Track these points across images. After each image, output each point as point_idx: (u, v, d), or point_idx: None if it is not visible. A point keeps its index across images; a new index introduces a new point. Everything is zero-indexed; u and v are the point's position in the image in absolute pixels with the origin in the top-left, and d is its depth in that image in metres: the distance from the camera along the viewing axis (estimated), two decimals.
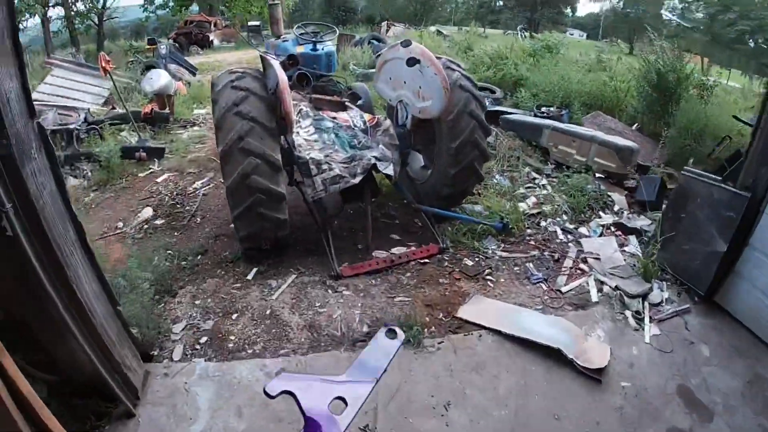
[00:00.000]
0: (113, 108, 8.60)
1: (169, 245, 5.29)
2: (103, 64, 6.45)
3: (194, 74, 10.72)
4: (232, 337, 3.92)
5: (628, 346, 3.90)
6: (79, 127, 6.99)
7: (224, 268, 4.85)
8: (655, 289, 4.43)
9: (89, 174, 6.79)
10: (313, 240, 5.07)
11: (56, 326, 2.70)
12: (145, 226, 5.72)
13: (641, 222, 5.46)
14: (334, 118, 5.21)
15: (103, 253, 5.15)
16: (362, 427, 3.15)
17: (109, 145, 6.84)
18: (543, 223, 5.56)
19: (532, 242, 5.22)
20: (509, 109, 8.16)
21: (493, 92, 8.87)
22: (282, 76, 4.39)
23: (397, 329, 1.06)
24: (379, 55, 5.56)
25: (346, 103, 5.63)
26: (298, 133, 4.90)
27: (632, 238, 5.24)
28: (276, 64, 4.56)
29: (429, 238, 5.12)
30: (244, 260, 4.90)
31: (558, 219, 5.64)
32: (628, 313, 4.21)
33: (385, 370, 0.82)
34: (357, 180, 4.50)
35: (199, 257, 5.06)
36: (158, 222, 5.78)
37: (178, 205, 6.12)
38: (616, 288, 4.45)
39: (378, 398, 3.33)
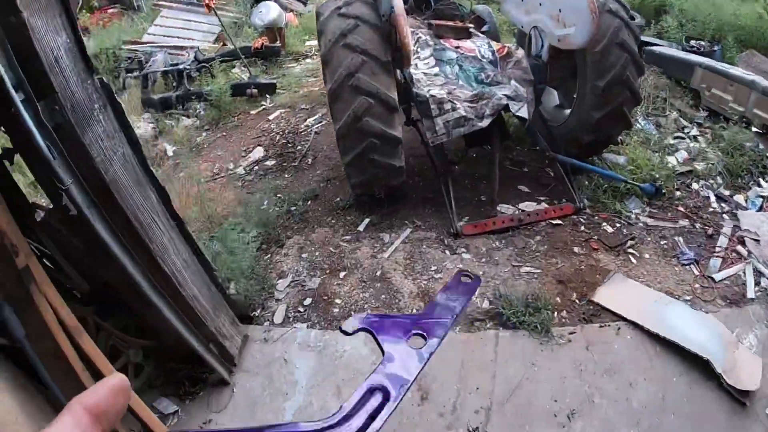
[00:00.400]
0: (224, 45, 8.39)
1: (279, 188, 5.03)
2: (207, 1, 6.13)
3: (305, 4, 10.10)
4: (338, 301, 3.57)
5: None
6: (189, 67, 6.84)
7: (335, 216, 4.48)
8: None
9: (201, 113, 6.69)
10: (432, 188, 4.50)
11: (143, 300, 2.45)
12: (256, 167, 5.50)
13: None
14: (458, 47, 4.41)
15: (213, 198, 5.06)
16: (473, 429, 2.68)
17: (220, 83, 6.63)
18: (695, 186, 4.46)
19: (682, 208, 4.20)
20: (654, 40, 6.69)
21: (633, 19, 7.30)
22: (397, 0, 3.72)
23: (472, 274, 0.87)
24: None
25: (471, 30, 4.77)
26: (416, 65, 4.23)
27: None
28: None
29: (563, 194, 4.32)
30: (355, 208, 4.51)
31: (711, 182, 4.51)
32: None
33: (464, 308, 0.65)
34: (485, 123, 3.79)
35: (309, 203, 4.74)
36: (269, 163, 5.53)
37: (290, 145, 5.81)
38: None
39: (493, 396, 2.82)
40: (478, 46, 4.43)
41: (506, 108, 3.85)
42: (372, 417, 0.54)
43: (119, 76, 7.95)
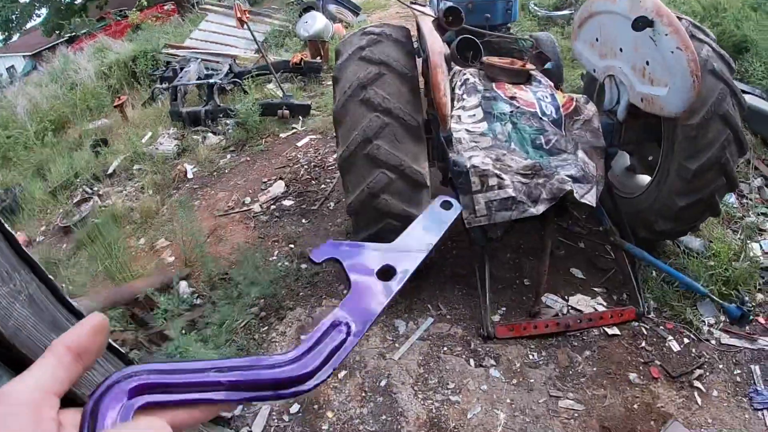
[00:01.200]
0: (263, 56, 7.90)
1: (293, 237, 4.46)
2: (239, 15, 5.55)
3: (357, 14, 9.33)
4: (330, 415, 2.92)
5: None
6: (221, 80, 6.33)
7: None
8: None
9: (230, 131, 6.18)
10: (465, 262, 3.77)
11: None
12: (273, 207, 4.94)
13: None
14: (513, 97, 3.47)
15: (222, 237, 4.58)
16: None
17: (250, 101, 6.09)
18: None
19: (763, 320, 3.29)
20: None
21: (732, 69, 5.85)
22: (434, 46, 3.00)
23: (454, 202, 0.40)
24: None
25: (531, 72, 3.83)
26: (458, 117, 3.42)
27: None
28: (426, 25, 3.15)
29: (623, 286, 3.50)
30: None
31: None
32: None
33: (438, 243, 0.58)
34: (538, 210, 2.97)
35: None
36: (287, 203, 4.95)
37: (314, 182, 5.21)
38: None
39: None
40: (539, 98, 3.50)
41: (569, 194, 3.01)
42: (332, 353, 0.47)
43: (156, 81, 7.59)
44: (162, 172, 5.90)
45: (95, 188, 6.12)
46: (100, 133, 7.44)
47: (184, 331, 3.51)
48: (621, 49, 3.20)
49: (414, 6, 3.80)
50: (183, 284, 4.11)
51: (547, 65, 4.27)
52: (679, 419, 2.73)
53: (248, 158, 5.80)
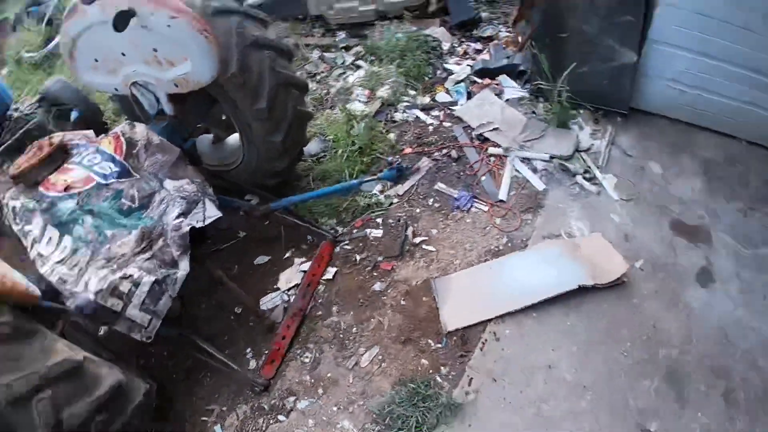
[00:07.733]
0: None
1: None
2: None
3: None
4: None
5: (607, 218, 3.33)
6: None
7: None
8: (580, 133, 3.81)
9: None
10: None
11: None
12: None
13: (500, 55, 4.45)
14: (68, 187, 2.79)
15: None
16: None
17: None
18: (398, 115, 4.24)
19: (409, 149, 3.95)
20: None
21: None
22: None
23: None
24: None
25: (66, 142, 3.01)
26: (41, 257, 2.64)
27: (505, 81, 4.29)
28: None
29: (306, 234, 3.61)
30: None
31: (407, 101, 4.33)
32: (579, 179, 3.54)
33: None
34: (186, 267, 2.64)
35: None
36: None
37: None
38: (551, 158, 3.68)
39: None
40: (90, 165, 2.87)
41: (192, 232, 2.72)
42: None
43: None
44: None
45: None
46: None
47: None
48: (124, 54, 2.92)
49: None
50: None
51: (73, 116, 3.74)
52: (437, 277, 3.14)
53: None
